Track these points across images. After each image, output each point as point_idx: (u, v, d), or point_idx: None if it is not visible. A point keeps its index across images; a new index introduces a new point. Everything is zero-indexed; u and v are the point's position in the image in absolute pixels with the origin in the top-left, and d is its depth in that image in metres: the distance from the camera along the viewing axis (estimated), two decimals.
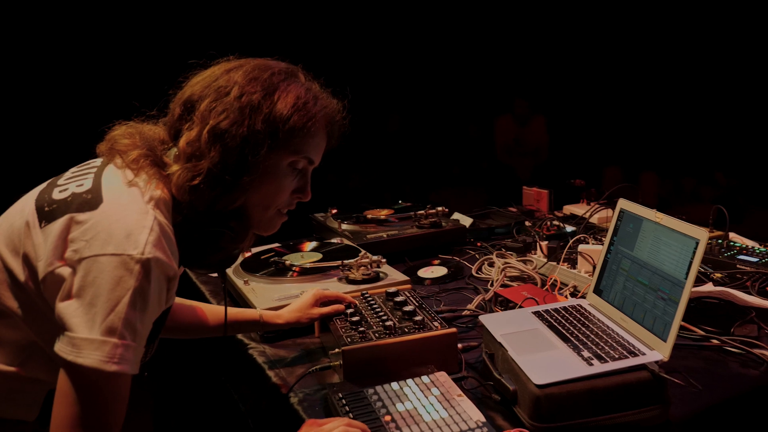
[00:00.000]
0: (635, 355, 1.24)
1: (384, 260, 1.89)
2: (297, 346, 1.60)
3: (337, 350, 1.38)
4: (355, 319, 1.47)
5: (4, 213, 1.17)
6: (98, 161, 1.18)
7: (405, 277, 1.89)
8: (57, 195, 1.10)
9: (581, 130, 5.75)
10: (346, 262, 1.88)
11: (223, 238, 1.16)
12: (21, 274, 1.06)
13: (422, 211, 2.39)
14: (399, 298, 1.58)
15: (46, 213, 1.07)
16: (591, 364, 1.22)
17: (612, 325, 1.39)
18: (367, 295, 1.65)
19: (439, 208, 2.40)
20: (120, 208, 1.04)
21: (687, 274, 1.25)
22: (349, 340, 1.40)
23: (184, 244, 1.12)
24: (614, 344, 1.29)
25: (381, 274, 1.89)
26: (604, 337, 1.33)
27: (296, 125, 1.12)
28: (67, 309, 0.98)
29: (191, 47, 1.31)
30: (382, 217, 2.51)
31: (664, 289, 1.30)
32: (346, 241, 2.21)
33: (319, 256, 2.03)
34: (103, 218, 1.02)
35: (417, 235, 2.31)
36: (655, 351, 1.25)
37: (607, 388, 1.17)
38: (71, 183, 1.12)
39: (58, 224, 1.03)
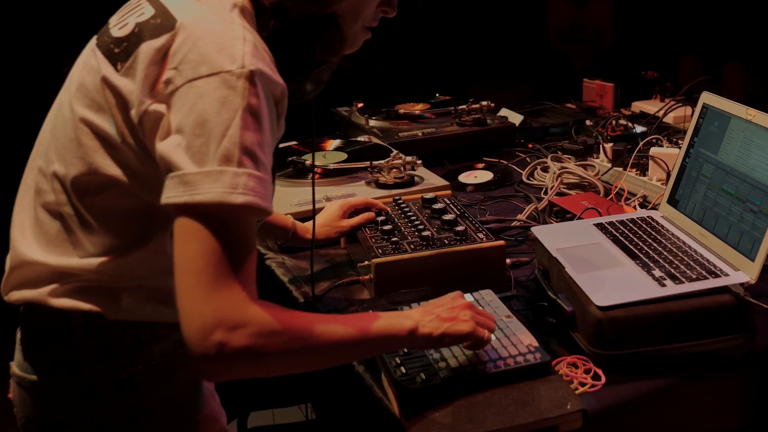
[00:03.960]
0: (716, 275, 1.23)
1: (419, 162, 1.89)
2: (320, 257, 1.62)
3: (367, 263, 1.40)
4: (387, 227, 1.48)
5: (68, 78, 1.16)
6: None
7: (444, 182, 1.89)
8: (119, 33, 1.08)
9: (653, 10, 5.53)
10: (375, 163, 1.87)
11: (317, 49, 1.14)
12: (114, 133, 1.05)
13: (464, 106, 2.36)
14: (437, 206, 1.58)
15: (118, 54, 1.06)
16: (663, 285, 1.22)
17: (689, 241, 1.38)
18: (400, 202, 1.65)
19: (484, 103, 2.37)
20: (200, 22, 1.01)
21: None
22: (380, 251, 1.41)
23: (276, 61, 1.08)
24: (691, 263, 1.28)
25: (416, 178, 1.89)
26: (680, 254, 1.32)
27: None
28: (169, 146, 0.96)
29: None
30: (417, 112, 2.49)
31: (755, 200, 1.28)
32: (375, 140, 2.20)
33: (344, 156, 2.02)
34: (184, 38, 1.00)
35: (458, 133, 2.29)
36: (740, 272, 1.24)
37: (682, 313, 1.17)
38: (128, 17, 1.10)
39: (136, 59, 1.02)
